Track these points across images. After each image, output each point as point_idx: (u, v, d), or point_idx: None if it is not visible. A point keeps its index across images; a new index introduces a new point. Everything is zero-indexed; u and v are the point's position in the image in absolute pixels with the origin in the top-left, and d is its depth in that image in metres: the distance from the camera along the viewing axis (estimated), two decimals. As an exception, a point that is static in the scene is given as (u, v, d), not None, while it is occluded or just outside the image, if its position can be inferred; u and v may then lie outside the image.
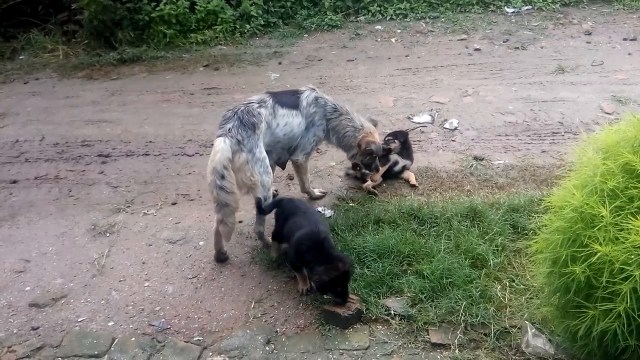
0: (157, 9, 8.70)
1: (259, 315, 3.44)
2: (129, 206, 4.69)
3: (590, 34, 8.17)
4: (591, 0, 9.41)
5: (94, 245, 4.21)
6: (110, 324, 3.44)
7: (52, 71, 8.16)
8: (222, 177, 3.65)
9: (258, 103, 3.99)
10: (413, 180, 4.72)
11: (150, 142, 5.82)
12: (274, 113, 4.04)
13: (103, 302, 3.63)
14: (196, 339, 3.29)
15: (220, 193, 3.68)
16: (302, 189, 4.61)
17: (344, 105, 4.47)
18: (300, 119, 4.20)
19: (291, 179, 4.95)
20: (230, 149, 3.70)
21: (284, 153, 4.30)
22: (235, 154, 3.72)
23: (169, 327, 3.39)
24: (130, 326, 3.41)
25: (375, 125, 4.63)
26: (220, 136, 3.77)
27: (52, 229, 4.45)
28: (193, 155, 5.51)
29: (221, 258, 3.96)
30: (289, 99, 4.20)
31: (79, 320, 3.48)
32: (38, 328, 3.43)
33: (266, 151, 4.03)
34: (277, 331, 3.30)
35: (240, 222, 4.26)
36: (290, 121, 4.14)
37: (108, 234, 4.33)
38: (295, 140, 4.25)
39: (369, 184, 4.65)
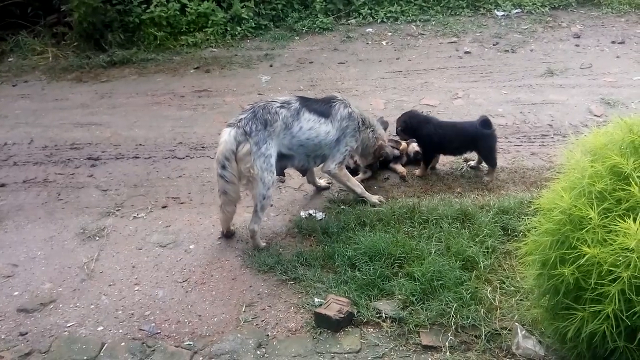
0: (148, 11, 8.66)
1: (250, 319, 3.42)
2: (119, 210, 4.66)
3: (579, 37, 8.23)
4: (580, 3, 9.48)
5: (83, 249, 4.17)
6: (100, 328, 3.41)
7: (41, 73, 8.08)
8: (223, 167, 3.84)
9: (280, 103, 4.04)
10: (401, 170, 4.90)
11: (140, 145, 5.79)
12: (297, 115, 4.05)
13: (92, 306, 3.60)
14: (186, 343, 3.27)
15: (220, 180, 3.91)
16: (356, 197, 4.49)
17: (368, 116, 4.55)
18: (329, 128, 4.20)
19: (282, 181, 4.94)
20: (235, 140, 3.82)
21: (308, 161, 4.30)
22: (240, 144, 3.82)
23: (159, 331, 3.37)
24: (120, 331, 3.39)
25: (386, 127, 4.82)
26: (229, 126, 3.90)
27: (40, 233, 4.41)
28: (183, 158, 5.48)
29: (227, 235, 4.20)
30: (319, 106, 4.22)
31: (68, 325, 3.45)
32: (26, 333, 3.39)
33: (287, 155, 4.11)
34: (268, 335, 3.29)
35: (232, 224, 4.24)
36: (315, 127, 4.13)
37: (97, 238, 4.29)
38: (322, 149, 4.25)
39: (360, 177, 4.82)
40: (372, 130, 4.53)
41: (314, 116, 4.13)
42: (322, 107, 4.23)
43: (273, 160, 3.92)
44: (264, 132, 3.87)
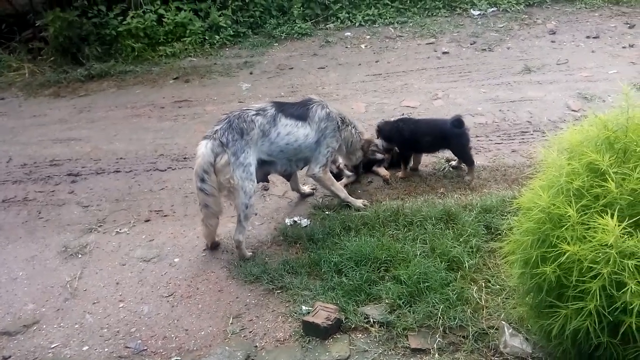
0: (124, 23, 8.63)
1: (238, 330, 3.39)
2: (101, 225, 4.60)
3: (554, 33, 8.35)
4: (554, 0, 9.63)
5: (66, 268, 4.11)
6: (85, 348, 3.36)
7: (18, 90, 8.00)
8: (202, 180, 3.80)
9: (256, 110, 4.01)
10: (384, 173, 4.94)
11: (121, 158, 5.74)
12: (273, 122, 4.01)
13: (77, 326, 3.55)
14: (174, 359, 3.23)
15: (200, 194, 3.86)
16: (340, 201, 4.49)
17: (346, 115, 4.53)
18: (307, 131, 4.17)
19: (266, 189, 4.92)
20: (212, 152, 3.78)
21: (290, 165, 4.27)
22: (218, 155, 3.79)
23: (145, 348, 3.32)
24: (106, 349, 3.34)
25: None
26: (205, 138, 3.86)
27: (21, 252, 4.34)
28: (165, 170, 5.44)
29: (212, 247, 4.16)
30: (295, 110, 4.19)
31: (52, 346, 3.39)
32: (9, 357, 3.33)
33: (268, 161, 4.09)
34: (256, 346, 3.26)
35: (216, 235, 4.21)
36: (294, 131, 4.10)
37: (80, 255, 4.24)
38: (303, 152, 4.22)
39: (343, 182, 4.81)
40: (354, 127, 4.52)
41: (291, 120, 4.11)
42: (299, 111, 4.20)
43: (253, 168, 3.89)
44: (241, 142, 3.84)
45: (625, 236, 2.12)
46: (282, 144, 4.07)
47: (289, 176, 4.55)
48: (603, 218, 2.16)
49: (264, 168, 4.12)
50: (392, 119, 5.12)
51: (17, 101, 7.63)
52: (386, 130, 4.85)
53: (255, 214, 4.50)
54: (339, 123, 4.37)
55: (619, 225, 2.12)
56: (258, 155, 3.97)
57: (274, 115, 4.04)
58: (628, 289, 2.08)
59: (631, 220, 2.14)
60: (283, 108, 4.14)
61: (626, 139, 2.37)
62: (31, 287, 3.95)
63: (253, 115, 3.96)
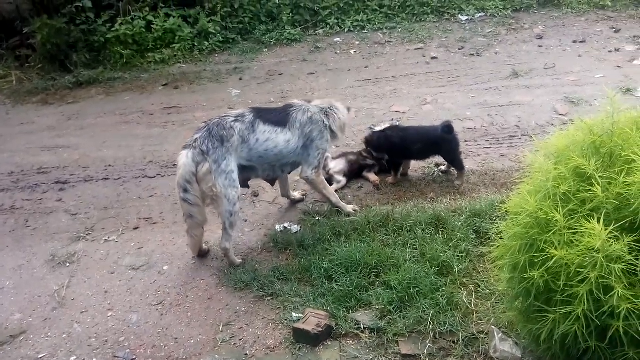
0: (113, 29, 8.60)
1: (228, 338, 3.37)
2: (89, 233, 4.56)
3: (541, 38, 8.42)
4: (541, 5, 9.72)
5: (54, 277, 4.07)
6: (73, 358, 3.32)
7: (6, 98, 7.94)
8: (185, 190, 3.77)
9: (235, 117, 3.97)
10: (374, 179, 4.94)
11: (110, 165, 5.70)
12: (252, 128, 3.96)
13: (64, 335, 3.51)
14: (163, 368, 3.21)
15: (184, 205, 3.82)
16: (331, 206, 4.48)
17: (326, 104, 4.38)
18: (288, 137, 4.10)
19: (256, 195, 4.91)
20: (193, 162, 3.75)
21: (274, 170, 4.22)
22: (199, 164, 3.75)
23: (134, 357, 3.29)
24: (94, 359, 3.30)
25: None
26: (185, 148, 3.82)
27: (8, 262, 4.29)
28: (154, 177, 5.41)
29: (201, 255, 4.15)
30: (274, 116, 4.13)
31: (40, 356, 3.35)
32: (-4, 368, 3.30)
33: (249, 167, 4.04)
34: (247, 354, 3.24)
35: (205, 242, 4.19)
36: (273, 137, 4.03)
37: (68, 264, 4.19)
38: (286, 158, 4.17)
39: (334, 187, 4.79)
40: (335, 109, 4.36)
41: (269, 127, 4.04)
42: (278, 117, 4.14)
43: (235, 175, 3.85)
44: (222, 149, 3.79)
45: (612, 240, 2.13)
46: (261, 150, 4.01)
47: (272, 181, 4.48)
48: (590, 222, 2.18)
49: (244, 174, 4.06)
50: (378, 129, 5.05)
51: (5, 109, 7.57)
52: (373, 137, 4.85)
53: (245, 221, 4.50)
54: (324, 121, 4.28)
55: (605, 230, 2.13)
56: (238, 161, 3.92)
57: (252, 121, 3.98)
58: (615, 292, 2.09)
59: (617, 225, 2.15)
60: (261, 114, 4.09)
61: (612, 144, 2.39)
62: (18, 296, 3.90)
63: (232, 121, 3.92)
